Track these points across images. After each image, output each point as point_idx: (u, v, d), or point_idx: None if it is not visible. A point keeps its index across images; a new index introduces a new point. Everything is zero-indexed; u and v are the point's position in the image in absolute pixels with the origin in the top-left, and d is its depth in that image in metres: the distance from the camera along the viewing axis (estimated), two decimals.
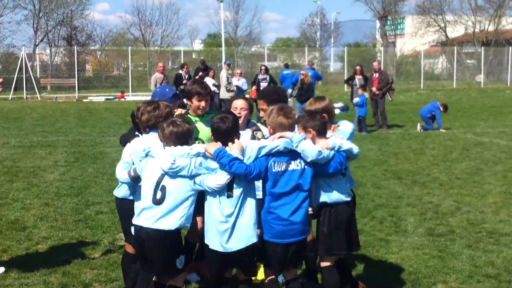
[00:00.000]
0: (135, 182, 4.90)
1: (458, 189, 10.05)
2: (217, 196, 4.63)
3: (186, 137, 4.69)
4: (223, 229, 4.61)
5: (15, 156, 13.34)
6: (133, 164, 4.95)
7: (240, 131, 4.95)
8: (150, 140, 4.79)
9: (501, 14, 55.57)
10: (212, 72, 21.27)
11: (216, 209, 4.64)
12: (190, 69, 22.79)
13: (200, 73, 21.47)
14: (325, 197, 4.99)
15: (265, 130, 5.32)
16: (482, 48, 50.44)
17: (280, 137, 4.70)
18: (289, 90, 19.18)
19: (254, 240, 4.68)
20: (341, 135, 5.07)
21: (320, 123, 4.91)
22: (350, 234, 5.06)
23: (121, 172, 4.99)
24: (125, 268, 5.48)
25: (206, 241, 4.75)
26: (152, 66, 41.62)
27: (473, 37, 55.71)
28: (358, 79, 19.10)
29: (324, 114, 5.07)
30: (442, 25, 57.44)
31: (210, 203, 4.67)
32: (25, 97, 34.79)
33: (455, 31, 58.39)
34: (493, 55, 51.34)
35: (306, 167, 4.75)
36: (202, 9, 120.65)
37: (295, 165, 4.71)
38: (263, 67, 21.17)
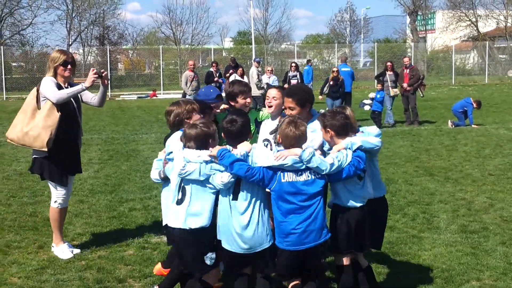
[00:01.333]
0: (165, 182, 5.10)
1: (491, 185, 9.94)
2: (227, 197, 4.68)
3: (205, 139, 4.74)
4: (234, 232, 4.66)
5: None
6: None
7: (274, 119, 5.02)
8: (173, 142, 4.97)
9: None
10: (241, 70, 21.35)
11: (227, 212, 4.69)
12: (220, 67, 22.88)
13: (231, 71, 21.57)
14: (336, 200, 4.95)
15: None
16: None
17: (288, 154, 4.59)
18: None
19: (267, 244, 4.69)
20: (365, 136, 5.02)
21: (340, 124, 4.86)
22: (362, 235, 4.96)
23: (153, 172, 5.27)
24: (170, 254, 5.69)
25: (219, 237, 4.80)
26: (183, 64, 41.84)
27: (505, 31, 54.79)
28: (389, 75, 18.98)
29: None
30: (474, 19, 56.58)
31: (222, 205, 4.74)
32: None
33: (487, 26, 57.50)
34: None
35: (317, 177, 4.64)
36: (232, 7, 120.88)
37: (306, 176, 4.61)
38: (293, 64, 21.21)
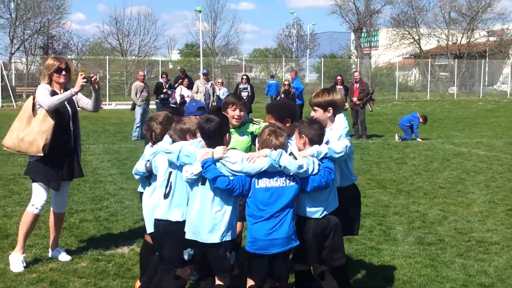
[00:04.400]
0: (149, 173, 5.31)
1: (443, 198, 10.09)
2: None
3: (184, 134, 4.99)
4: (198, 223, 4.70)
5: None
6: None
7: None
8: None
9: (473, 27, 56.48)
10: (187, 80, 21.09)
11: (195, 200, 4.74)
12: (169, 77, 22.60)
13: (180, 81, 21.35)
14: (299, 210, 4.87)
15: None
16: (456, 60, 51.15)
17: (259, 156, 4.64)
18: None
19: (215, 240, 4.63)
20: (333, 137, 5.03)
21: (315, 133, 4.89)
22: (324, 247, 4.90)
23: (140, 164, 5.40)
24: (143, 258, 5.75)
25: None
26: (130, 76, 41.34)
27: (446, 49, 56.50)
28: (339, 89, 19.16)
29: (329, 108, 5.13)
30: (416, 37, 58.13)
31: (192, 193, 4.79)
32: (0, 106, 34.29)
33: (429, 44, 59.17)
34: (466, 68, 52.21)
35: (290, 183, 4.65)
36: (179, 19, 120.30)
37: (281, 182, 4.63)
38: (244, 77, 21.18)
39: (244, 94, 20.14)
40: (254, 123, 5.90)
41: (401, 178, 11.93)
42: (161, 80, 21.87)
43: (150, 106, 19.90)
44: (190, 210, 4.74)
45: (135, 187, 10.77)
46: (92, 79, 6.53)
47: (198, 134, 4.89)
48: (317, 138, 4.89)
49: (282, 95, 18.37)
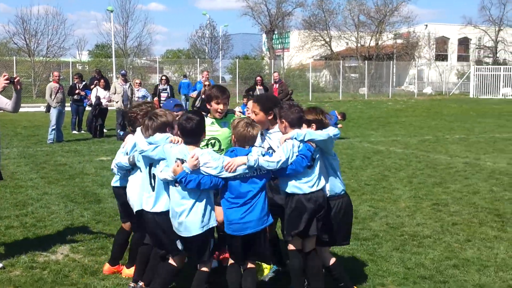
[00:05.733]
0: (132, 167, 5.53)
1: (370, 194, 10.33)
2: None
3: (163, 127, 5.22)
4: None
5: None
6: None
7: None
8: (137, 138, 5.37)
9: (381, 30, 58.46)
10: (103, 81, 20.62)
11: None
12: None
13: (96, 82, 20.82)
14: (285, 187, 5.20)
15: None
16: (365, 62, 52.73)
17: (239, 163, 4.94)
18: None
19: (196, 232, 4.94)
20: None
21: (295, 116, 5.20)
22: (311, 222, 5.19)
23: (122, 158, 5.63)
24: (134, 245, 6.02)
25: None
26: (38, 77, 39.86)
27: (356, 51, 58.17)
28: (259, 89, 19.29)
29: (312, 124, 5.31)
30: (327, 39, 59.47)
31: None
32: None
33: (339, 46, 60.71)
34: (375, 69, 53.95)
35: (262, 173, 5.02)
36: (87, 19, 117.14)
37: (252, 172, 4.99)
38: (163, 78, 20.89)
39: (164, 95, 19.90)
40: (234, 115, 6.03)
41: None
42: (74, 82, 21.28)
43: (66, 108, 19.26)
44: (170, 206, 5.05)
45: (59, 192, 10.41)
46: (15, 80, 6.36)
47: (175, 127, 5.18)
48: (296, 121, 5.20)
49: (203, 96, 18.20)
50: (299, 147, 5.06)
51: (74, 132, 20.75)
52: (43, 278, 6.02)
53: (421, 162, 14.11)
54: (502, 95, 47.22)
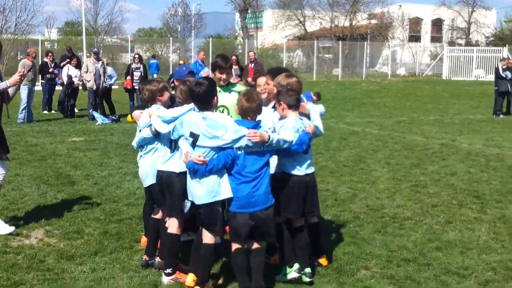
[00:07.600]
0: (156, 136, 5.59)
1: (348, 176, 10.26)
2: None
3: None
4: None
5: None
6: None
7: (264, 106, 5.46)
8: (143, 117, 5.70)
9: (356, 10, 58.34)
10: (75, 60, 20.14)
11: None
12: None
13: (67, 60, 20.35)
14: (283, 168, 5.46)
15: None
16: (339, 42, 52.62)
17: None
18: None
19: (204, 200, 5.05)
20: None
21: (292, 99, 5.45)
22: (306, 201, 5.51)
23: (144, 131, 5.68)
24: (146, 216, 6.26)
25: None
26: (6, 55, 38.89)
27: (330, 31, 58.02)
28: (234, 69, 19.06)
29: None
30: (301, 19, 59.18)
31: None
32: None
33: (313, 26, 60.47)
34: (349, 50, 53.82)
35: (267, 149, 5.13)
36: None
37: (258, 147, 5.04)
38: (136, 56, 20.43)
39: (137, 74, 19.52)
40: (241, 84, 6.53)
41: None
42: (45, 59, 20.77)
43: (36, 88, 18.81)
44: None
45: (31, 173, 10.14)
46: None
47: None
48: (293, 102, 5.46)
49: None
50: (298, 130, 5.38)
51: (45, 112, 20.30)
52: (17, 263, 5.82)
53: (398, 143, 14.09)
54: (475, 77, 47.52)
